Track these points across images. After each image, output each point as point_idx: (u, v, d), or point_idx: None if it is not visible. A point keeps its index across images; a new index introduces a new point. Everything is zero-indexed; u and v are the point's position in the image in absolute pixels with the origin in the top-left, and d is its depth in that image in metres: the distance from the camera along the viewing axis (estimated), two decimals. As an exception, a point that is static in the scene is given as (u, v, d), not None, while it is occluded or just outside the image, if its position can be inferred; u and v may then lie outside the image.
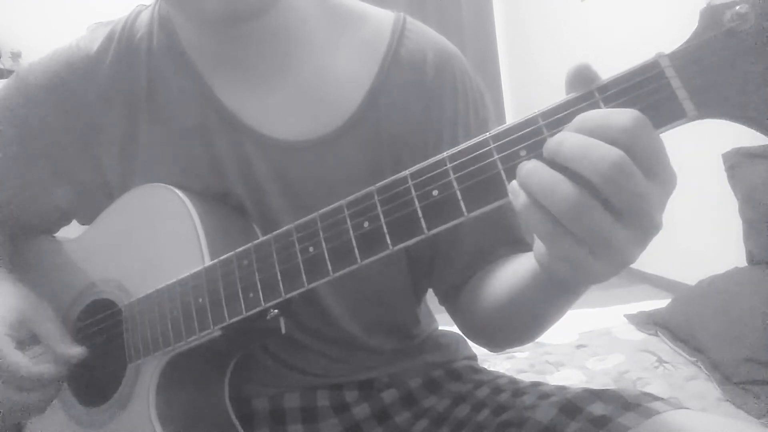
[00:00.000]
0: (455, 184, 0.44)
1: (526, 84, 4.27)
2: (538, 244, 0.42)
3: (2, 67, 3.11)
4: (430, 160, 0.45)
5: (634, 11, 2.80)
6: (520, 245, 0.67)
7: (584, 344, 1.58)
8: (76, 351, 0.65)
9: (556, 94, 0.41)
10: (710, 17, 0.36)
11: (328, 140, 0.65)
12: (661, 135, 0.38)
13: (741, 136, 1.26)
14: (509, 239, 0.67)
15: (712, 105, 0.37)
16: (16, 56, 3.18)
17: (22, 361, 0.61)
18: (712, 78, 0.36)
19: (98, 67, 0.68)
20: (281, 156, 0.65)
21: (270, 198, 0.66)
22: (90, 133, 0.68)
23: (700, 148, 2.19)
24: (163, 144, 0.67)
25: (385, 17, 0.70)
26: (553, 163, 0.38)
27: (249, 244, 0.55)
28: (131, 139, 0.67)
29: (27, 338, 0.65)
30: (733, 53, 0.35)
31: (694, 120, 0.37)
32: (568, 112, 0.40)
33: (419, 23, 0.71)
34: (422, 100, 0.67)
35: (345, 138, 0.65)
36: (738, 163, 1.71)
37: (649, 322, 1.65)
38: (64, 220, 0.77)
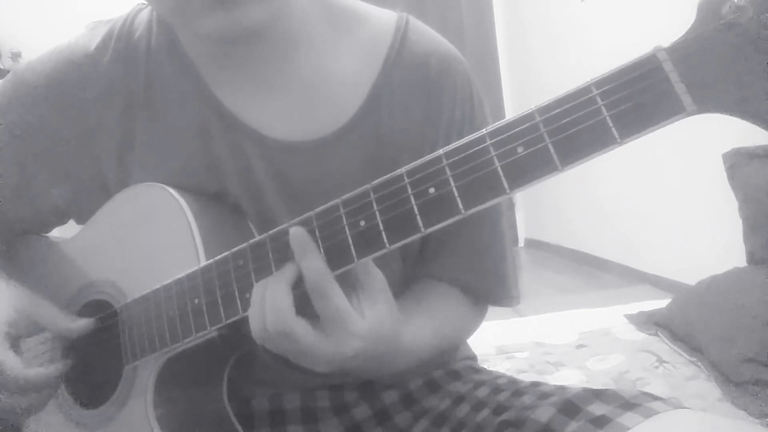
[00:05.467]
0: (452, 181, 0.43)
1: (525, 84, 4.27)
2: None
3: (2, 67, 3.11)
4: (426, 157, 0.45)
5: (634, 11, 2.80)
6: (462, 281, 0.71)
7: (584, 344, 1.57)
8: (80, 323, 0.65)
9: (556, 93, 0.41)
10: (708, 10, 0.35)
11: (328, 141, 0.65)
12: (660, 131, 0.38)
13: (741, 136, 1.26)
14: (459, 272, 0.70)
15: (710, 99, 0.36)
16: (16, 56, 3.19)
17: (14, 363, 0.61)
18: (710, 72, 0.36)
19: (96, 65, 0.67)
20: (280, 156, 0.65)
21: (268, 198, 0.66)
22: (88, 131, 0.68)
23: (700, 149, 2.19)
24: (161, 143, 0.66)
25: (387, 18, 0.69)
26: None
27: (245, 244, 0.54)
28: (129, 138, 0.67)
29: (26, 332, 0.65)
30: (731, 46, 0.35)
31: (693, 115, 0.37)
32: (565, 108, 0.39)
33: (422, 24, 0.71)
34: (423, 103, 0.66)
35: (345, 139, 0.65)
36: (738, 163, 1.70)
37: (649, 322, 1.64)
38: (61, 220, 0.76)
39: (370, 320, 0.50)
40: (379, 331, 0.51)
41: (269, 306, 0.49)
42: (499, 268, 0.72)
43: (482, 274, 0.71)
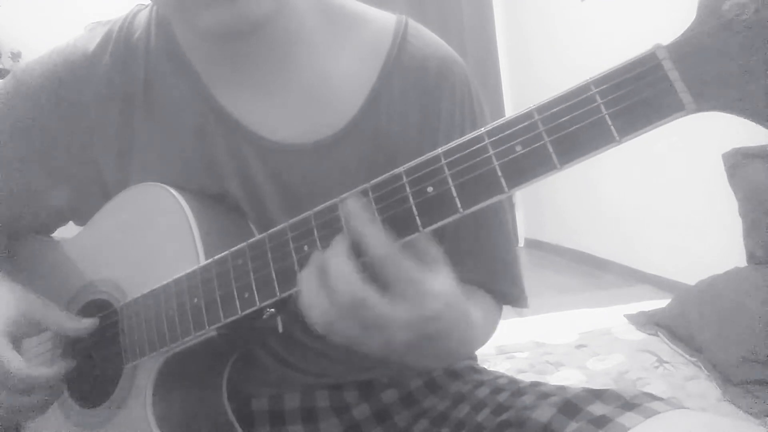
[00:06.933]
0: (450, 180, 0.43)
1: (525, 84, 4.27)
2: None
3: (2, 67, 3.12)
4: (424, 156, 0.45)
5: (634, 11, 2.80)
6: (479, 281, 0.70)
7: (584, 344, 1.57)
8: (85, 323, 0.65)
9: (556, 93, 0.41)
10: (709, 7, 0.35)
11: (327, 144, 0.65)
12: (659, 129, 0.38)
13: (741, 136, 1.26)
14: (479, 274, 0.69)
15: (710, 97, 0.36)
16: (16, 56, 3.19)
17: (17, 362, 0.61)
18: (710, 70, 0.36)
19: (95, 66, 0.67)
20: (279, 158, 0.65)
21: (267, 200, 0.66)
22: (87, 132, 0.68)
23: (700, 149, 2.19)
24: (160, 144, 0.66)
25: (386, 20, 0.69)
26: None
27: (243, 244, 0.54)
28: (128, 139, 0.67)
29: (29, 332, 0.65)
30: (732, 44, 0.35)
31: (692, 113, 0.37)
32: (564, 106, 0.39)
33: (421, 27, 0.70)
34: (421, 106, 0.66)
35: (343, 142, 0.65)
36: (738, 163, 1.70)
37: (649, 322, 1.64)
38: (61, 221, 0.76)
39: (443, 281, 0.48)
40: (453, 294, 0.48)
41: (335, 275, 0.45)
42: (510, 269, 0.72)
43: (496, 275, 0.71)
